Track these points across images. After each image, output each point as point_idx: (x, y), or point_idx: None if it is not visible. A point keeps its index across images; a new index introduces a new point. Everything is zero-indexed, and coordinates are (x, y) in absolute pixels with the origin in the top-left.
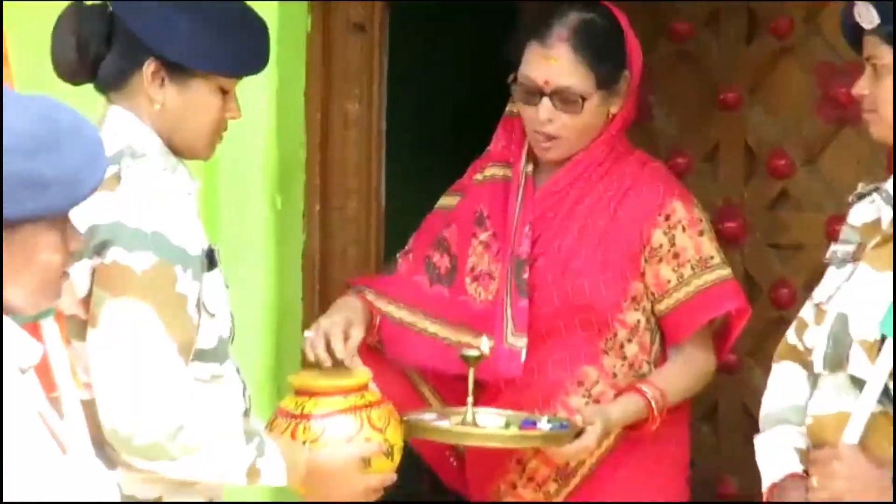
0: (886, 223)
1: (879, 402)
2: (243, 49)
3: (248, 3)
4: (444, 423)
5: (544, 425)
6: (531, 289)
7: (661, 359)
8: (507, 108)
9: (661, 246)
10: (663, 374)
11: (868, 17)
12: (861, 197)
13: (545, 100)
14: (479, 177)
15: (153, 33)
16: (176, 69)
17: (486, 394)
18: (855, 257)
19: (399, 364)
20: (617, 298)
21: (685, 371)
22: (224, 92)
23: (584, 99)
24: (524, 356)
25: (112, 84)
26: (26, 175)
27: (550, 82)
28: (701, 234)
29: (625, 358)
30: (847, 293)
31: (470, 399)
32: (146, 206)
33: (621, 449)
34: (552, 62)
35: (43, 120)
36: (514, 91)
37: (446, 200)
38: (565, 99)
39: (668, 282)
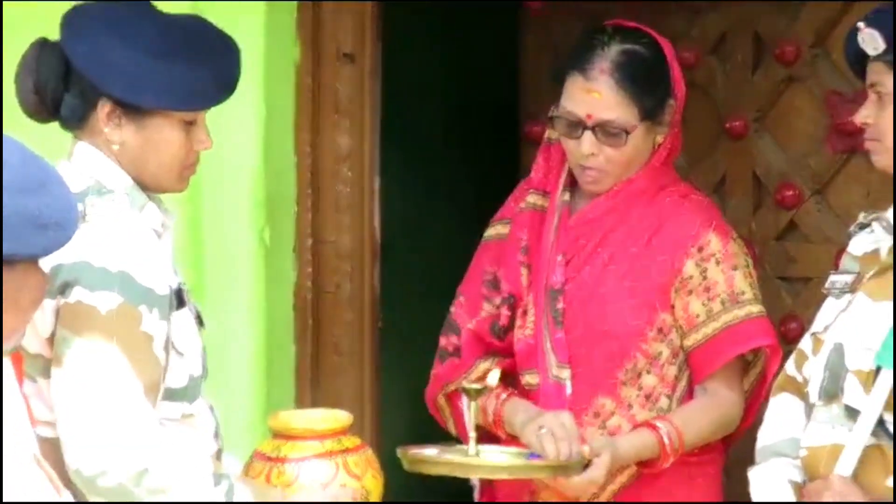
0: (885, 253)
1: (874, 434)
2: (200, 80)
3: (232, 32)
4: (450, 457)
5: None
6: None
7: (688, 398)
8: (546, 135)
9: (691, 278)
10: (683, 412)
11: (873, 43)
12: (862, 227)
13: (588, 133)
14: (522, 205)
15: (100, 72)
16: (130, 107)
17: None
18: (853, 288)
19: None
20: (641, 328)
21: (707, 411)
22: (189, 124)
23: (627, 132)
24: (570, 388)
25: (73, 123)
26: (29, 214)
27: (593, 116)
28: (734, 268)
29: (640, 388)
30: (843, 323)
31: (472, 434)
32: (112, 245)
33: (636, 487)
34: (595, 95)
35: (32, 159)
36: (555, 123)
37: (494, 230)
38: (608, 133)
39: (697, 316)
